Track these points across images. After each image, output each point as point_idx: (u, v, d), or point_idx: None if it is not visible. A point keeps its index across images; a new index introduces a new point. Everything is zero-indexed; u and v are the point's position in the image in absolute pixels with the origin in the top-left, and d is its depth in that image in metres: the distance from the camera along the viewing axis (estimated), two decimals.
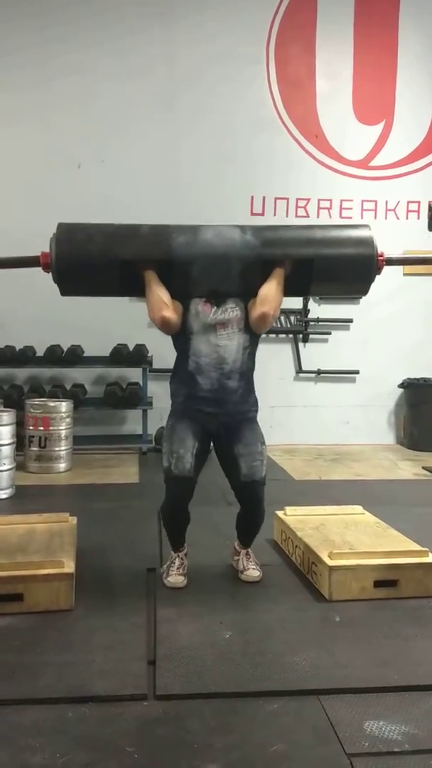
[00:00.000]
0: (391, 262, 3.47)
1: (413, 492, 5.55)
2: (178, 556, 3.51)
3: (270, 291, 3.25)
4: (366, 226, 3.50)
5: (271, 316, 3.28)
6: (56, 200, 6.91)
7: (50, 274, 3.34)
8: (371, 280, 3.42)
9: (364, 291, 3.53)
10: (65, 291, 3.42)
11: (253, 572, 3.52)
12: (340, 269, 3.37)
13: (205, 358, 3.29)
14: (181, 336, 3.34)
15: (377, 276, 3.43)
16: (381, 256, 3.38)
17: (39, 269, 3.36)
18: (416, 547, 3.51)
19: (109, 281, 3.34)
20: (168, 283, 3.27)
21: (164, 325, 3.26)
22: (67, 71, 6.98)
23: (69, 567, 3.15)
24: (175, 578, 3.42)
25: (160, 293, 3.23)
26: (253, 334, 3.39)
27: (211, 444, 3.44)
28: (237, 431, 3.37)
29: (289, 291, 3.37)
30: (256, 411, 3.50)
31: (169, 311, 3.22)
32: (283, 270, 3.29)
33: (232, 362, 3.32)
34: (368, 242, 3.36)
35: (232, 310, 3.32)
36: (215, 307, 3.31)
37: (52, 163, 7.06)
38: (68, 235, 3.31)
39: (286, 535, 3.88)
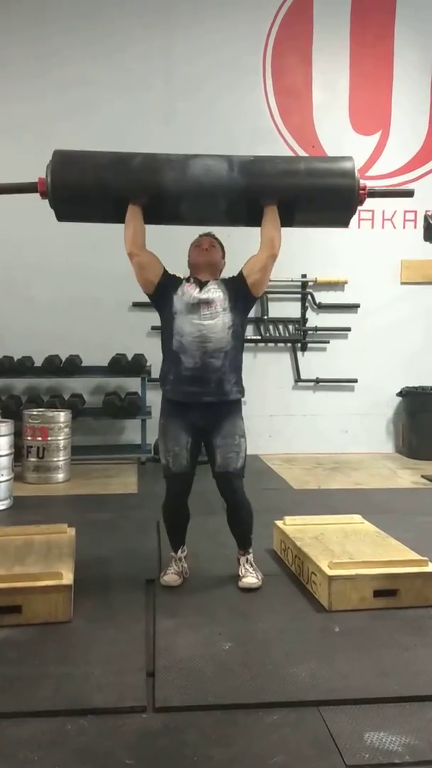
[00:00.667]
0: (373, 194, 3.63)
1: (412, 501, 5.54)
2: (178, 557, 3.61)
3: (274, 233, 3.47)
4: (349, 158, 3.62)
5: (277, 255, 3.50)
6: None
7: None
8: (353, 210, 3.55)
9: (346, 222, 3.66)
10: (60, 216, 3.60)
11: (249, 579, 3.52)
12: (322, 199, 3.52)
13: (188, 336, 3.40)
14: (166, 315, 3.49)
15: (359, 207, 3.57)
16: (363, 188, 3.52)
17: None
18: (416, 556, 3.51)
19: (101, 209, 3.55)
20: (158, 214, 3.47)
21: (130, 258, 3.47)
22: (67, 83, 7.01)
23: (67, 578, 3.14)
24: (170, 577, 3.53)
25: (133, 229, 3.43)
26: (237, 313, 3.49)
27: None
28: (218, 423, 3.47)
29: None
30: (240, 393, 3.54)
31: (134, 248, 3.43)
32: (275, 207, 3.46)
33: (215, 341, 3.40)
34: (350, 174, 3.52)
35: (214, 291, 3.46)
36: (198, 288, 3.46)
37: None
38: (63, 165, 3.48)
39: (286, 544, 3.87)
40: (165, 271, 3.54)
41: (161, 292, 3.51)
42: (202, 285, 3.48)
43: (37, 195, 3.52)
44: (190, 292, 3.45)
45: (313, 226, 3.91)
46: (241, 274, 3.54)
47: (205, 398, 3.42)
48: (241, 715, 2.40)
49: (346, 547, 3.62)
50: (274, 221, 3.48)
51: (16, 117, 7.02)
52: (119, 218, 3.51)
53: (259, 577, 3.56)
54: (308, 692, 2.53)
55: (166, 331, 3.52)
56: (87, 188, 3.44)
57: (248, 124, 7.30)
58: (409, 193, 3.82)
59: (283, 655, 2.81)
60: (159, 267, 3.53)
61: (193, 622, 3.10)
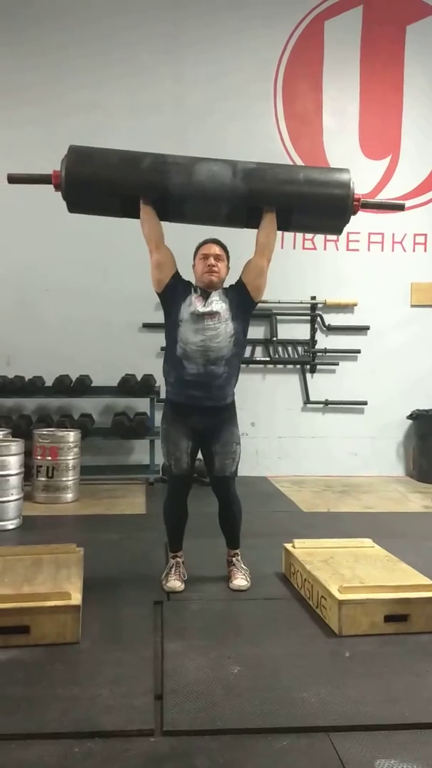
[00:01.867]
0: (366, 205, 3.82)
1: (423, 525, 5.49)
2: (176, 561, 3.79)
3: (269, 239, 3.69)
4: (346, 170, 3.80)
5: (270, 259, 3.71)
6: (67, 237, 6.99)
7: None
8: (346, 219, 3.73)
9: (339, 230, 3.89)
10: (72, 207, 3.80)
11: (240, 581, 3.76)
12: (318, 208, 3.69)
13: (192, 345, 3.60)
14: (172, 320, 3.68)
15: (352, 216, 3.74)
16: (357, 199, 3.68)
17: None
18: (427, 581, 3.47)
19: (111, 205, 3.75)
20: (163, 212, 3.66)
21: (150, 255, 3.70)
22: (78, 108, 7.11)
23: (76, 599, 3.13)
24: (173, 583, 3.71)
25: (149, 227, 3.66)
26: (239, 321, 3.68)
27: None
28: (218, 430, 3.71)
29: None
30: (233, 396, 3.78)
31: (152, 244, 3.66)
32: (273, 214, 3.66)
33: (217, 350, 3.60)
34: (345, 185, 3.68)
35: (218, 303, 3.65)
36: (204, 300, 3.64)
37: (60, 200, 7.14)
38: (76, 161, 3.68)
39: (295, 568, 3.84)
40: (176, 273, 3.73)
41: (169, 293, 3.73)
42: (207, 296, 3.67)
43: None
44: (196, 304, 3.64)
45: (308, 231, 4.13)
46: (240, 281, 3.75)
47: (206, 403, 3.65)
48: (250, 739, 2.37)
49: (357, 571, 3.59)
50: (271, 228, 3.69)
51: (27, 140, 7.11)
52: (127, 213, 3.74)
53: (248, 579, 3.80)
54: (318, 717, 2.49)
55: (170, 335, 3.71)
56: (98, 183, 3.65)
57: (259, 148, 7.34)
58: (400, 207, 4.02)
59: (292, 679, 2.77)
60: (172, 268, 3.72)
61: (201, 644, 3.08)
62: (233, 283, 3.78)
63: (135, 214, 3.70)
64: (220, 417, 3.71)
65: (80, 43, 7.15)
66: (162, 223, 3.73)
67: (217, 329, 3.59)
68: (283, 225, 3.78)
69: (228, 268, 3.81)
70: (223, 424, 3.72)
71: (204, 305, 3.62)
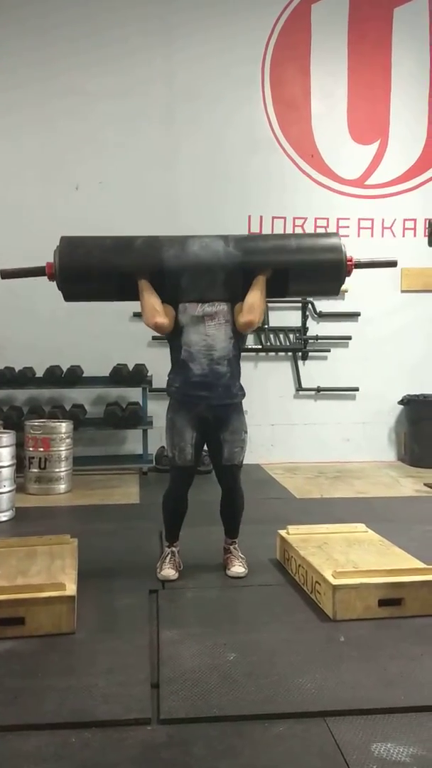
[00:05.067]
0: (359, 265, 3.87)
1: (416, 509, 5.52)
2: (171, 551, 3.80)
3: (255, 299, 3.61)
4: (335, 234, 3.91)
5: (256, 322, 3.66)
6: (55, 218, 6.94)
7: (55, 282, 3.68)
8: (341, 282, 3.80)
9: (335, 292, 3.93)
10: (68, 297, 3.79)
11: (237, 569, 3.78)
12: (313, 274, 3.75)
13: (195, 346, 3.64)
14: (175, 332, 3.69)
15: (347, 278, 3.81)
16: (350, 260, 3.74)
17: (41, 284, 3.72)
18: (420, 564, 3.50)
19: (107, 289, 3.73)
20: (160, 290, 3.63)
21: (157, 329, 3.65)
22: (68, 89, 7.04)
23: (70, 590, 3.12)
24: (167, 571, 3.73)
25: (152, 301, 3.61)
26: (236, 329, 3.72)
27: None
28: (225, 419, 3.71)
29: (269, 293, 3.73)
30: (243, 395, 3.80)
31: (161, 317, 3.59)
32: (265, 277, 3.65)
33: (220, 349, 3.64)
34: (337, 249, 3.74)
35: (218, 304, 3.68)
36: (202, 303, 3.67)
37: (50, 181, 7.11)
38: (69, 248, 3.67)
39: (289, 554, 3.85)
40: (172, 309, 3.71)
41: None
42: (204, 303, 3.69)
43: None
44: (194, 307, 3.66)
45: (306, 296, 4.15)
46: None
47: (212, 402, 3.66)
48: (247, 726, 2.38)
49: (350, 556, 3.60)
50: (260, 290, 3.63)
51: (18, 122, 7.06)
52: (123, 296, 3.75)
53: (246, 566, 3.81)
54: (314, 703, 2.51)
55: (174, 344, 3.74)
56: (92, 269, 3.63)
57: (247, 134, 7.34)
58: (393, 264, 4.06)
59: (288, 665, 2.79)
60: (173, 312, 3.68)
61: (197, 632, 3.09)
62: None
63: (132, 295, 3.68)
64: (229, 409, 3.72)
65: (67, 25, 7.05)
66: None
67: (217, 329, 3.63)
68: (281, 292, 3.80)
69: None
70: (231, 413, 3.73)
71: (202, 306, 3.65)
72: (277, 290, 3.76)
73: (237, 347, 3.73)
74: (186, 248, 3.64)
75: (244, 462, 3.83)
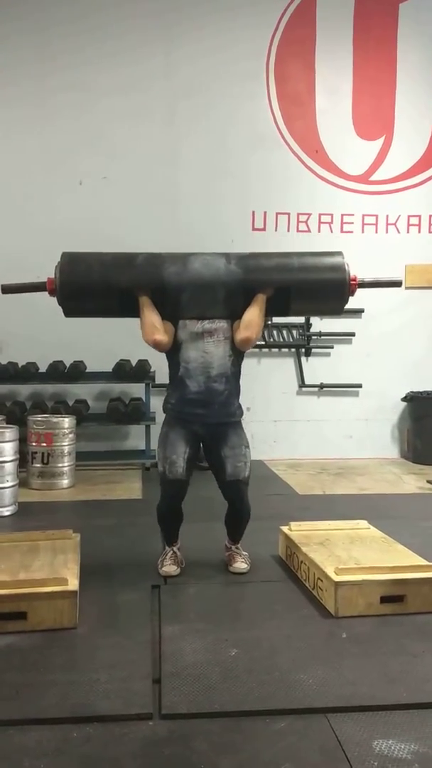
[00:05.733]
0: (363, 285, 3.78)
1: (418, 506, 5.51)
2: (172, 549, 3.79)
3: (253, 317, 3.56)
4: (339, 253, 3.78)
5: (254, 340, 3.61)
6: (56, 215, 6.97)
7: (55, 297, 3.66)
8: (345, 301, 3.73)
9: (339, 311, 3.84)
10: (68, 313, 3.76)
11: (240, 564, 3.77)
12: (315, 293, 3.70)
13: (193, 363, 3.60)
14: (173, 348, 3.65)
15: (351, 297, 3.74)
16: (354, 279, 3.67)
17: (38, 277, 3.73)
18: (423, 561, 3.49)
19: (108, 305, 3.69)
20: (160, 307, 3.60)
21: (156, 346, 3.60)
22: (68, 85, 7.03)
23: (73, 584, 3.13)
24: (169, 567, 3.72)
25: (152, 318, 3.56)
26: (236, 346, 3.67)
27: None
28: (224, 435, 3.66)
29: (270, 311, 3.71)
30: (241, 414, 3.76)
31: (160, 334, 3.55)
32: (264, 296, 3.60)
33: (218, 366, 3.60)
34: (340, 268, 3.67)
35: (218, 321, 3.64)
36: (202, 320, 3.63)
37: (51, 178, 7.10)
38: (71, 265, 3.64)
39: (291, 550, 3.85)
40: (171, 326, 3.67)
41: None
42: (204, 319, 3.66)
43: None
44: (194, 323, 3.63)
45: (309, 315, 4.09)
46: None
47: (208, 420, 3.63)
48: (248, 722, 2.38)
49: (353, 553, 3.60)
50: (259, 308, 3.58)
51: (16, 119, 7.05)
52: (124, 313, 3.70)
53: (248, 562, 3.79)
54: (315, 699, 2.51)
55: (172, 360, 3.71)
56: (93, 285, 3.60)
57: (251, 129, 7.31)
58: (398, 284, 4.00)
59: (289, 661, 2.79)
60: (172, 329, 3.64)
61: (198, 628, 3.09)
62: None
63: (133, 312, 3.65)
64: (225, 426, 3.67)
65: (68, 21, 7.03)
66: None
67: (216, 346, 3.60)
68: (283, 311, 3.77)
69: None
70: (228, 430, 3.68)
71: (202, 323, 3.62)
72: (278, 309, 3.73)
73: (236, 365, 3.68)
74: (187, 265, 3.59)
75: None
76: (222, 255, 3.69)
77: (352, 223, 7.47)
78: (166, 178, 7.20)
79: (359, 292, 3.76)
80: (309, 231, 7.41)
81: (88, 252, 3.73)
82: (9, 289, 3.85)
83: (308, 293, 3.67)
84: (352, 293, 3.70)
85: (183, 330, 3.62)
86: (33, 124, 7.09)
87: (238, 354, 3.68)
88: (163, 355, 3.77)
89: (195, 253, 3.69)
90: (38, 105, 7.07)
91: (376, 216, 7.50)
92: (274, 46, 7.30)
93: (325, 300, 3.75)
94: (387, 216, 7.51)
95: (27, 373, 6.73)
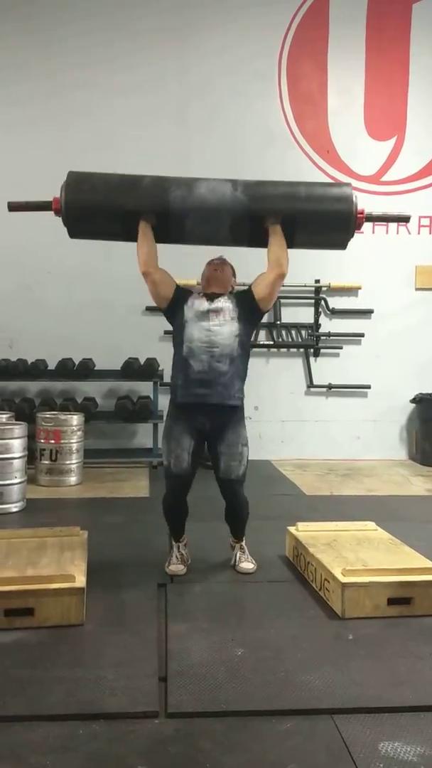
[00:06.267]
0: (370, 218, 3.72)
1: (426, 508, 5.50)
2: (178, 546, 3.81)
3: (280, 253, 3.57)
4: (347, 184, 3.72)
5: (286, 273, 3.62)
6: None
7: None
8: (350, 234, 3.65)
9: (343, 245, 3.75)
10: (73, 234, 3.73)
11: (246, 565, 3.78)
12: (321, 224, 3.62)
13: (197, 342, 3.58)
14: (177, 325, 3.68)
15: (357, 232, 3.68)
16: (361, 213, 3.61)
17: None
18: (430, 564, 3.48)
19: (112, 227, 3.68)
20: (165, 232, 3.60)
21: (145, 277, 3.63)
22: (80, 84, 7.06)
23: (80, 581, 3.13)
24: (176, 566, 3.74)
25: (147, 249, 3.58)
26: (244, 323, 3.66)
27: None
28: (223, 431, 3.65)
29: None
30: (242, 398, 3.70)
31: (152, 267, 3.59)
32: (279, 227, 3.56)
33: (222, 347, 3.58)
34: (347, 199, 3.61)
35: (224, 302, 3.66)
36: (209, 301, 3.65)
37: (62, 177, 7.09)
38: (76, 185, 3.61)
39: (298, 551, 3.84)
40: (177, 286, 3.73)
41: (174, 306, 3.70)
42: (212, 298, 3.67)
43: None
44: (200, 302, 3.66)
45: (312, 247, 4.02)
46: (250, 289, 3.70)
47: (210, 400, 3.58)
48: (254, 722, 2.38)
49: (360, 554, 3.59)
50: (281, 242, 3.58)
51: (29, 117, 7.08)
52: (129, 236, 3.66)
53: (254, 562, 3.81)
54: (322, 700, 2.50)
55: (176, 340, 3.71)
56: (98, 206, 3.57)
57: (263, 128, 7.31)
58: (406, 219, 3.95)
59: (296, 662, 2.78)
60: (172, 283, 3.71)
61: (205, 627, 3.09)
62: (244, 289, 3.76)
63: (136, 235, 3.62)
64: (226, 418, 3.63)
65: (81, 20, 7.06)
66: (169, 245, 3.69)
67: (221, 326, 3.58)
68: (287, 242, 3.71)
69: (234, 280, 3.83)
70: (228, 425, 3.64)
71: (208, 303, 3.64)
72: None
73: (243, 346, 3.65)
74: (193, 190, 3.54)
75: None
76: (228, 181, 3.61)
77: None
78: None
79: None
80: None
81: (95, 172, 3.69)
82: (15, 207, 3.79)
83: (313, 222, 3.60)
84: (358, 226, 3.64)
85: (189, 309, 3.63)
86: (44, 122, 7.11)
87: (244, 333, 3.65)
88: (171, 354, 3.77)
89: (201, 178, 3.64)
90: (49, 104, 7.09)
91: None
92: (287, 46, 7.29)
93: (331, 232, 3.66)
94: None
95: (36, 370, 6.75)
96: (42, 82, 7.08)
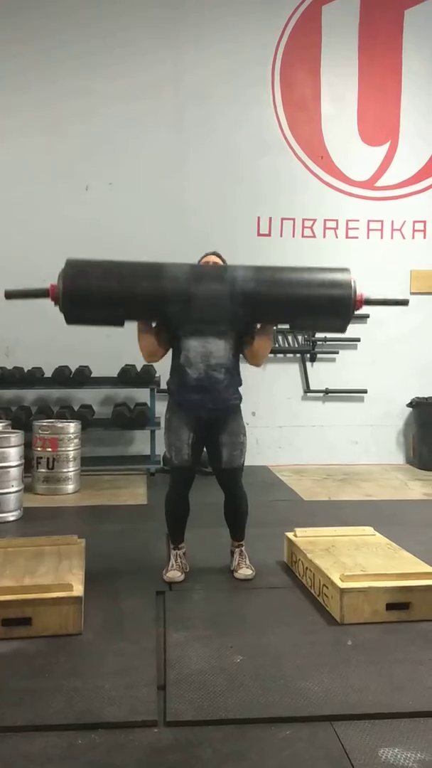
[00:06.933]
0: (369, 302, 3.65)
1: (424, 512, 5.49)
2: (177, 554, 3.80)
3: (263, 350, 3.73)
4: (346, 269, 3.66)
5: (259, 366, 3.86)
6: (63, 221, 6.99)
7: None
8: (349, 318, 3.62)
9: (343, 329, 3.71)
10: (70, 321, 3.72)
11: (245, 571, 3.78)
12: (319, 309, 3.60)
13: (193, 351, 3.64)
14: (175, 335, 3.69)
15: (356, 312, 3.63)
16: (360, 298, 3.58)
17: (44, 282, 3.79)
18: (429, 569, 3.47)
19: (110, 316, 3.68)
20: (162, 317, 3.65)
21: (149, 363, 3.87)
22: (76, 92, 7.08)
23: (78, 590, 3.12)
24: (173, 573, 3.73)
25: (147, 341, 3.67)
26: (238, 336, 3.71)
27: None
28: (223, 421, 3.71)
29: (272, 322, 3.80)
30: (239, 400, 3.80)
31: (156, 358, 3.74)
32: (272, 326, 3.77)
33: (218, 357, 3.64)
34: (346, 285, 3.56)
35: None
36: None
37: (58, 184, 7.13)
38: (73, 273, 3.56)
39: (296, 556, 3.84)
40: (167, 332, 3.68)
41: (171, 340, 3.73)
42: None
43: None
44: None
45: (312, 330, 4.01)
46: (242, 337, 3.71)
47: (208, 405, 3.66)
48: (253, 729, 2.37)
49: (358, 560, 3.59)
50: (268, 342, 3.72)
51: (25, 125, 7.09)
52: (125, 322, 3.68)
53: (252, 569, 3.81)
54: (321, 707, 2.50)
55: (175, 347, 3.73)
56: (95, 296, 3.54)
57: (257, 135, 7.34)
58: (404, 303, 3.92)
59: (295, 668, 2.77)
60: (169, 340, 3.69)
61: (203, 634, 3.08)
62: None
63: (134, 321, 3.68)
64: (225, 411, 3.73)
65: (76, 28, 7.09)
66: None
67: (218, 337, 3.62)
68: (286, 322, 3.86)
69: None
70: (229, 414, 3.74)
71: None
72: (282, 321, 3.81)
73: (236, 356, 3.73)
74: (190, 280, 3.49)
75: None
76: (225, 269, 3.61)
77: (358, 228, 7.48)
78: (172, 183, 7.23)
79: (366, 294, 3.66)
80: (314, 236, 7.43)
81: (92, 261, 3.66)
82: (12, 295, 3.80)
83: (312, 309, 3.59)
84: (357, 309, 3.62)
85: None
86: (41, 129, 7.12)
87: (238, 346, 3.71)
88: (169, 361, 3.78)
89: (198, 266, 3.66)
90: (46, 110, 7.11)
91: (382, 222, 7.51)
92: (280, 53, 7.32)
93: (330, 317, 3.66)
94: (392, 222, 7.52)
95: (32, 378, 6.74)
96: (39, 89, 7.10)
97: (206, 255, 3.81)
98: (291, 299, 3.58)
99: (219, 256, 3.80)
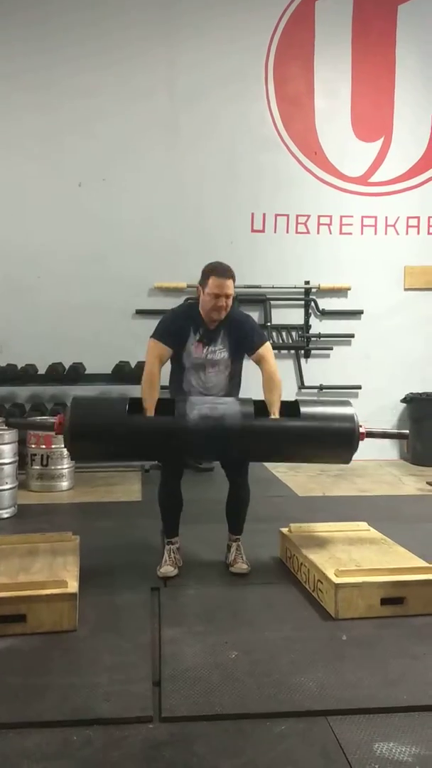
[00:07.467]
0: (371, 435, 3.76)
1: (418, 507, 5.51)
2: (171, 549, 3.80)
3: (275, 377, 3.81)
4: (347, 402, 3.80)
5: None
6: (59, 221, 6.97)
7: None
8: (353, 452, 3.68)
9: (347, 460, 3.77)
10: (74, 458, 3.95)
11: (242, 565, 3.78)
12: (323, 445, 3.71)
13: (194, 383, 3.77)
14: (178, 362, 3.80)
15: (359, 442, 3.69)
16: (362, 433, 3.65)
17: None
18: (423, 563, 3.48)
19: (116, 454, 3.86)
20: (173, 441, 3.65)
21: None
22: (71, 94, 7.04)
23: (72, 587, 3.12)
24: (166, 568, 3.72)
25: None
26: (236, 365, 3.84)
27: None
28: None
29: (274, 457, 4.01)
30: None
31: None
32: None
33: (217, 391, 3.77)
34: (349, 418, 3.65)
35: (220, 352, 3.75)
36: (206, 347, 3.73)
37: (55, 185, 7.10)
38: (82, 414, 3.59)
39: (291, 552, 3.84)
40: (170, 342, 3.73)
41: (175, 352, 3.78)
42: (209, 339, 3.72)
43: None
44: (198, 352, 3.73)
45: (316, 462, 4.06)
46: (252, 345, 3.78)
47: None
48: (249, 725, 2.38)
49: (353, 555, 3.60)
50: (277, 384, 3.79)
51: (21, 128, 7.06)
52: (131, 459, 3.75)
53: (248, 564, 3.81)
54: (316, 702, 2.50)
55: (176, 371, 3.84)
56: (102, 438, 3.60)
57: (251, 132, 7.33)
58: (405, 436, 4.04)
59: (289, 663, 2.78)
60: (167, 350, 3.75)
61: (198, 630, 3.08)
62: (245, 328, 3.80)
63: (144, 457, 3.88)
64: None
65: (72, 29, 7.04)
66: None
67: (217, 375, 3.76)
68: (289, 460, 4.05)
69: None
70: None
71: (205, 352, 3.72)
72: (285, 456, 3.89)
73: (236, 375, 3.85)
74: (199, 424, 3.48)
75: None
76: (233, 411, 3.57)
77: (351, 224, 7.48)
78: (166, 179, 7.21)
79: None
80: (308, 233, 7.42)
81: (98, 400, 3.86)
82: (16, 425, 4.02)
83: (316, 444, 3.69)
84: (361, 439, 3.69)
85: (188, 359, 3.75)
86: (34, 130, 7.08)
87: (237, 372, 3.84)
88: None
89: (205, 414, 3.52)
90: (39, 111, 7.06)
91: (375, 217, 7.51)
92: (273, 49, 7.31)
93: (334, 451, 3.74)
94: (386, 217, 7.52)
95: (26, 375, 6.72)
96: (33, 92, 7.04)
97: (218, 274, 3.63)
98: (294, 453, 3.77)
99: (232, 276, 3.67)
